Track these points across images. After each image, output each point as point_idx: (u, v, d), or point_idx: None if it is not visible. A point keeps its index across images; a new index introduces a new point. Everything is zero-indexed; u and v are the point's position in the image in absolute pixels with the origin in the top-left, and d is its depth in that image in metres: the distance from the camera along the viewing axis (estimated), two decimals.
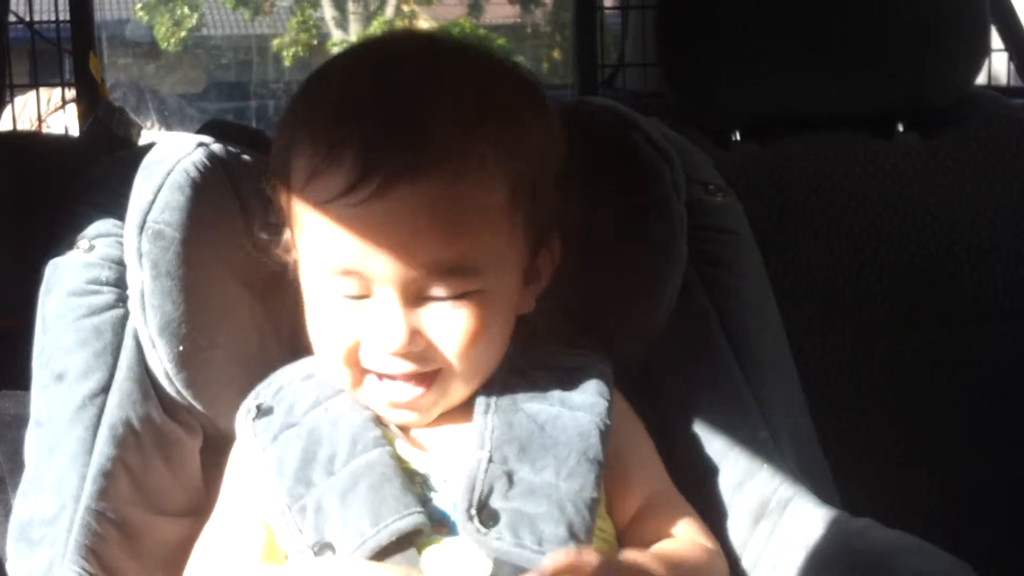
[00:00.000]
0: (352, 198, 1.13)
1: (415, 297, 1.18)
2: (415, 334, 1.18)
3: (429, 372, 1.22)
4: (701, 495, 1.34)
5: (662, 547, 1.22)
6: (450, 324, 1.19)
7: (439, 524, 1.18)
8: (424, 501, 1.18)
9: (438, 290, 1.18)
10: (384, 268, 1.16)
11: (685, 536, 1.27)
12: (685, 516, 1.29)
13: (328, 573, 1.12)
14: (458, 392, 1.25)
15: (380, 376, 1.22)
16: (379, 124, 1.15)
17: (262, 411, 1.27)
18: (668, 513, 1.29)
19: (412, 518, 1.15)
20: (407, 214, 1.14)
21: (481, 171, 1.17)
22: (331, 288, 1.20)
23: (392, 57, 1.23)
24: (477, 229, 1.18)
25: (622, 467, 1.28)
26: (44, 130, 2.27)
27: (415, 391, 1.22)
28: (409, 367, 1.21)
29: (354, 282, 1.18)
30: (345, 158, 1.14)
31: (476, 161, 1.16)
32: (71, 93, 2.14)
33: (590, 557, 1.07)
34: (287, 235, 1.30)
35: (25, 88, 2.27)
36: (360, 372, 1.23)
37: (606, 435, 1.24)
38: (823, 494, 1.33)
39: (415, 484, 1.20)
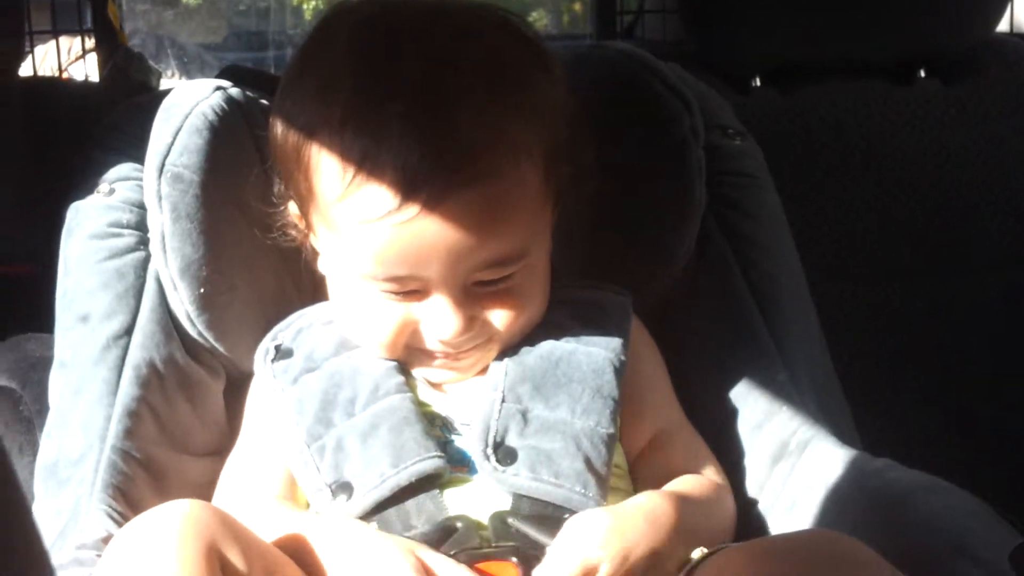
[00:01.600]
0: (396, 218, 1.11)
1: (465, 289, 1.18)
2: (469, 320, 1.19)
3: (480, 343, 1.23)
4: (721, 436, 1.35)
5: (663, 497, 1.19)
6: (501, 304, 1.21)
7: (460, 465, 1.19)
8: (445, 443, 1.20)
9: (488, 278, 1.19)
10: (434, 272, 1.16)
11: (693, 470, 1.27)
12: (694, 449, 1.30)
13: (340, 534, 1.12)
14: (499, 350, 1.26)
15: (431, 353, 1.23)
16: (410, 134, 1.10)
17: (281, 352, 1.28)
18: (677, 446, 1.30)
19: (432, 461, 1.16)
20: (455, 222, 1.13)
21: (517, 165, 1.15)
22: (374, 290, 1.19)
23: (400, 43, 1.17)
24: (520, 220, 1.17)
25: (636, 399, 1.28)
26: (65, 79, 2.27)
27: (464, 358, 1.23)
28: (464, 346, 1.22)
29: (401, 284, 1.18)
30: (384, 177, 1.11)
31: (511, 156, 1.15)
32: (91, 42, 2.14)
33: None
34: (294, 210, 1.28)
35: (45, 36, 2.27)
36: (408, 351, 1.24)
37: (620, 371, 1.25)
38: (843, 435, 1.34)
39: (435, 427, 1.21)
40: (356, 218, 1.13)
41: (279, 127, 1.21)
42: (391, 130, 1.10)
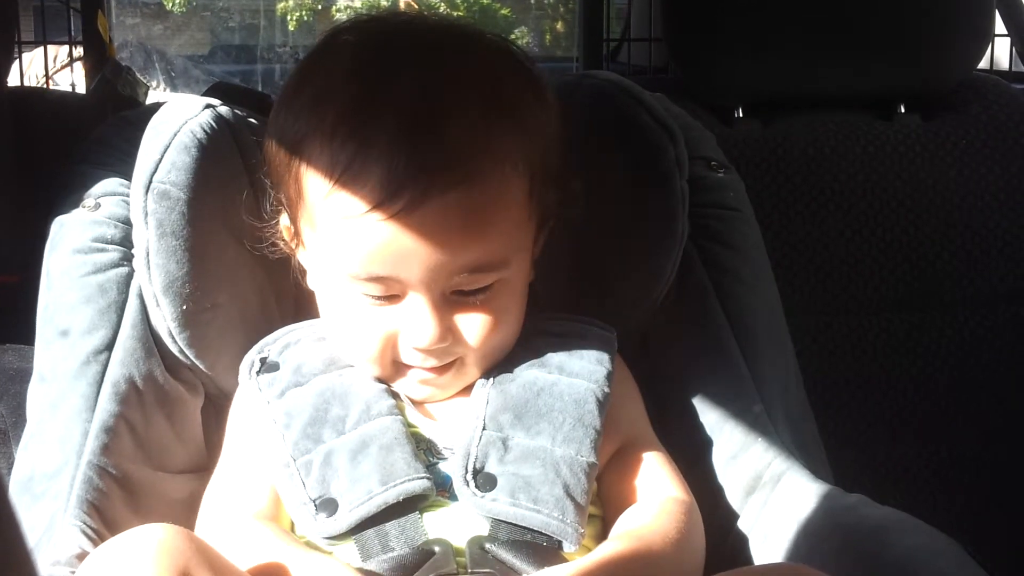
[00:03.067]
0: (381, 214, 1.13)
1: (443, 296, 1.20)
2: (446, 331, 1.21)
3: (454, 360, 1.24)
4: (695, 466, 1.35)
5: (635, 535, 1.19)
6: (477, 317, 1.22)
7: (442, 489, 1.20)
8: (429, 467, 1.20)
9: (466, 286, 1.20)
10: (414, 274, 1.17)
11: (657, 485, 1.27)
12: (658, 463, 1.29)
13: (316, 570, 1.11)
14: (477, 372, 1.27)
15: (409, 367, 1.25)
16: (403, 134, 1.14)
17: (267, 366, 1.28)
18: (640, 461, 1.29)
19: (420, 482, 1.17)
20: (437, 224, 1.15)
21: (502, 174, 1.18)
22: (356, 292, 1.21)
23: (398, 61, 1.20)
24: (502, 227, 1.19)
25: (609, 420, 1.28)
26: (51, 87, 2.26)
27: (441, 374, 1.25)
28: (440, 359, 1.23)
29: (382, 286, 1.19)
30: (370, 177, 1.13)
31: (497, 165, 1.17)
32: (78, 51, 2.13)
33: None
34: (284, 222, 1.30)
35: (32, 45, 2.27)
36: (391, 364, 1.25)
37: (603, 403, 1.26)
38: (816, 469, 1.35)
39: (420, 450, 1.22)
40: (341, 214, 1.15)
41: (273, 136, 1.24)
42: (380, 136, 1.13)
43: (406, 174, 1.12)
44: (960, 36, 2.09)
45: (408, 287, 1.19)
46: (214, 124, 1.35)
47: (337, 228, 1.17)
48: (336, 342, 1.29)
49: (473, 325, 1.22)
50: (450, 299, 1.21)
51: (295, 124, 1.20)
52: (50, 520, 1.21)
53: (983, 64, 2.31)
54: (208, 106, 1.37)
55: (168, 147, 1.31)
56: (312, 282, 1.30)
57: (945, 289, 2.07)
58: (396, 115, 1.14)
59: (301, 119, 1.19)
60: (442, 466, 1.22)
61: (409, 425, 1.23)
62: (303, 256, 1.31)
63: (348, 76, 1.19)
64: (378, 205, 1.13)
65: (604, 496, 1.28)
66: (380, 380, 1.27)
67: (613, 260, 1.44)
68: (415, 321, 1.20)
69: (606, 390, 1.27)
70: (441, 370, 1.25)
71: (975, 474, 2.06)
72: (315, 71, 1.25)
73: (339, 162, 1.15)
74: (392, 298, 1.20)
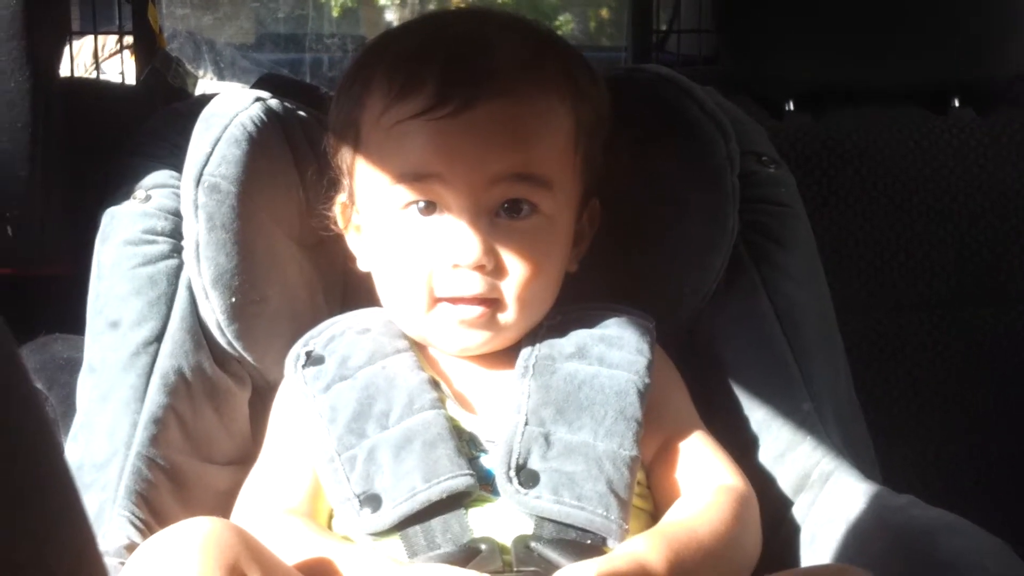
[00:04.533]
0: (432, 115, 1.21)
1: (487, 212, 1.23)
2: (488, 250, 1.22)
3: (492, 299, 1.25)
4: (742, 464, 1.33)
5: (679, 524, 1.18)
6: (518, 248, 1.24)
7: (485, 484, 1.19)
8: (472, 461, 1.20)
9: (508, 202, 1.24)
10: (458, 172, 1.21)
11: (709, 474, 1.26)
12: (708, 452, 1.28)
13: (364, 561, 1.12)
14: (513, 326, 1.27)
15: (452, 301, 1.25)
16: (455, 56, 1.24)
17: (312, 359, 1.29)
18: (689, 450, 1.28)
19: (464, 479, 1.17)
20: (483, 127, 1.21)
21: (548, 98, 1.26)
22: (400, 203, 1.24)
23: (453, 19, 1.33)
24: (545, 146, 1.25)
25: (652, 408, 1.27)
26: (100, 76, 2.28)
27: (480, 310, 1.25)
28: (478, 287, 1.24)
29: (427, 189, 1.23)
30: (425, 82, 1.22)
31: (543, 91, 1.26)
32: (128, 39, 2.15)
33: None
34: (343, 195, 1.34)
35: (81, 35, 2.28)
36: (432, 299, 1.26)
37: (644, 393, 1.26)
38: (865, 469, 1.34)
39: (463, 443, 1.22)
40: (393, 122, 1.23)
41: (334, 120, 1.34)
42: (434, 63, 1.23)
43: (456, 83, 1.21)
44: (1016, 29, 2.05)
45: (451, 193, 1.22)
46: (264, 117, 1.36)
47: (387, 137, 1.24)
48: (382, 278, 1.31)
49: (513, 255, 1.24)
50: (493, 220, 1.23)
51: (361, 76, 1.29)
52: (99, 510, 1.22)
53: None
54: (258, 99, 1.38)
55: (219, 140, 1.32)
56: (363, 262, 1.35)
57: (998, 286, 2.04)
58: (447, 47, 1.26)
59: (368, 70, 1.28)
60: (484, 460, 1.21)
61: (451, 420, 1.23)
62: (353, 240, 1.36)
63: (408, 33, 1.36)
64: (428, 109, 1.21)
65: (655, 489, 1.27)
66: (422, 369, 1.27)
67: (663, 255, 1.43)
68: (457, 234, 1.22)
69: (647, 381, 1.27)
70: (478, 306, 1.25)
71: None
72: (379, 42, 1.37)
73: (395, 81, 1.24)
74: (435, 208, 1.24)
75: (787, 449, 1.35)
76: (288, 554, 1.10)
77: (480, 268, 1.23)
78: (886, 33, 2.00)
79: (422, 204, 1.24)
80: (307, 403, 1.25)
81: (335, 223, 1.37)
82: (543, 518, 1.16)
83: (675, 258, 1.43)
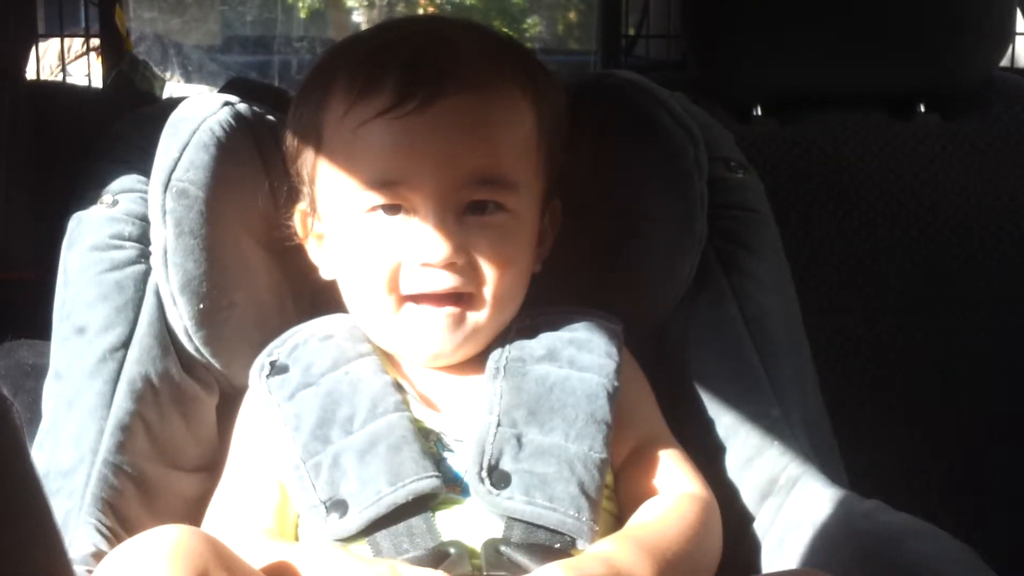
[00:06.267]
0: (395, 113, 1.20)
1: (454, 212, 1.23)
2: (459, 247, 1.22)
3: (464, 294, 1.25)
4: (709, 470, 1.34)
5: (646, 526, 1.20)
6: (487, 242, 1.24)
7: (452, 484, 1.19)
8: (439, 462, 1.20)
9: (474, 201, 1.24)
10: (425, 176, 1.21)
11: (675, 483, 1.26)
12: (674, 461, 1.29)
13: (329, 561, 1.12)
14: (484, 326, 1.27)
15: (419, 300, 1.25)
16: (416, 54, 1.25)
17: (276, 368, 1.28)
18: (657, 458, 1.28)
19: (429, 481, 1.16)
20: (447, 125, 1.22)
21: (511, 92, 1.27)
22: (366, 206, 1.24)
23: (411, 23, 1.35)
24: (509, 144, 1.26)
25: (619, 416, 1.27)
26: (66, 79, 2.26)
27: (451, 311, 1.25)
28: (450, 282, 1.23)
29: (393, 193, 1.23)
30: (387, 80, 1.22)
31: (506, 84, 1.26)
32: (93, 41, 2.13)
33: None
34: (303, 203, 1.34)
35: (48, 36, 2.27)
36: (400, 299, 1.25)
37: (614, 396, 1.26)
38: (832, 474, 1.34)
39: (430, 442, 1.22)
40: (356, 123, 1.22)
41: (292, 117, 1.33)
42: (395, 60, 1.23)
43: (419, 79, 1.21)
44: (981, 35, 2.07)
45: (418, 197, 1.22)
46: (233, 122, 1.35)
47: (351, 140, 1.24)
48: (348, 283, 1.30)
49: (483, 251, 1.24)
50: (460, 219, 1.23)
51: (323, 77, 1.28)
52: (65, 518, 1.21)
53: (1004, 63, 2.29)
54: (227, 103, 1.37)
55: (187, 145, 1.31)
56: (325, 271, 1.35)
57: (963, 290, 2.05)
58: (408, 45, 1.27)
59: (330, 70, 1.28)
60: (451, 461, 1.21)
61: (415, 421, 1.23)
62: (314, 250, 1.35)
63: (371, 35, 1.36)
64: (391, 107, 1.20)
65: (621, 494, 1.28)
66: (384, 372, 1.27)
67: (631, 261, 1.43)
68: (425, 234, 1.22)
69: (616, 384, 1.27)
70: (448, 306, 1.25)
71: (992, 479, 2.05)
72: (342, 44, 1.37)
73: (356, 81, 1.23)
74: (403, 211, 1.23)
75: (755, 454, 1.35)
76: (257, 561, 1.10)
77: (450, 266, 1.23)
78: (853, 38, 2.02)
79: (388, 206, 1.24)
80: (272, 412, 1.25)
81: (296, 233, 1.36)
82: (513, 519, 1.17)
83: (644, 264, 1.43)
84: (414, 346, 1.28)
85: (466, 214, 1.24)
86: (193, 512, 1.26)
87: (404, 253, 1.24)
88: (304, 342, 1.31)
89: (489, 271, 1.25)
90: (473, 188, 1.23)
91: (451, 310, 1.25)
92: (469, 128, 1.23)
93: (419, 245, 1.22)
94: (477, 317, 1.26)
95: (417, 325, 1.26)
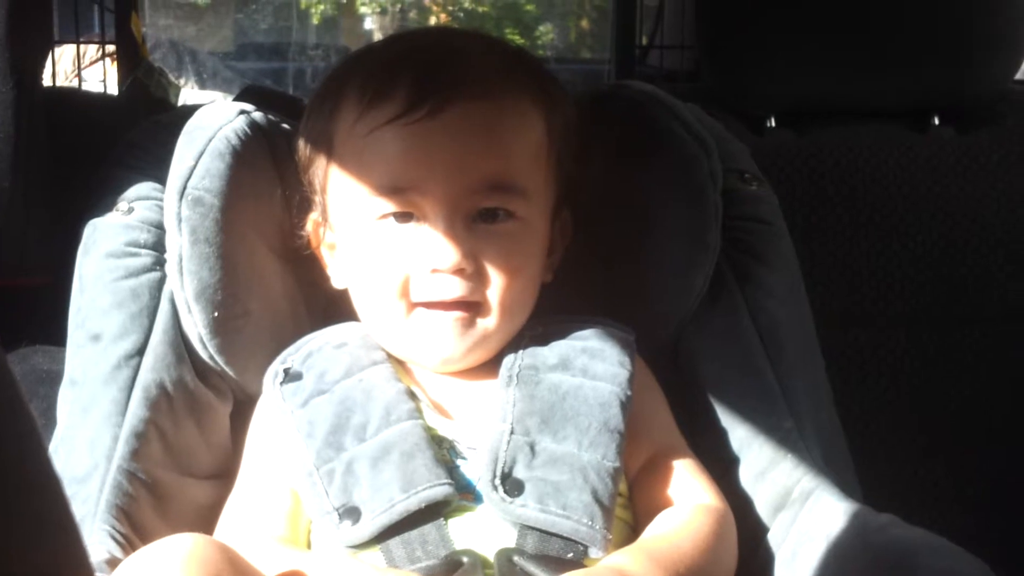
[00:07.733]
0: (407, 119, 1.21)
1: (463, 218, 1.23)
2: (468, 253, 1.23)
3: (473, 302, 1.25)
4: (723, 482, 1.34)
5: (661, 539, 1.19)
6: (496, 249, 1.25)
7: (465, 492, 1.19)
8: (452, 469, 1.20)
9: (484, 209, 1.24)
10: (436, 181, 1.22)
11: (691, 494, 1.26)
12: (690, 471, 1.29)
13: (344, 572, 1.12)
14: (490, 335, 1.28)
15: (429, 306, 1.25)
16: (427, 64, 1.26)
17: (290, 375, 1.28)
18: (672, 468, 1.28)
19: (442, 488, 1.16)
20: (458, 131, 1.23)
21: (522, 101, 1.28)
22: (376, 214, 1.25)
23: (423, 34, 1.37)
24: (519, 151, 1.27)
25: (633, 424, 1.28)
26: (81, 85, 2.27)
27: (460, 315, 1.26)
28: (459, 290, 1.24)
29: (404, 200, 1.23)
30: (398, 88, 1.23)
31: (517, 92, 1.28)
32: (109, 47, 2.14)
33: None
34: (315, 213, 1.35)
35: (63, 42, 2.27)
36: (410, 305, 1.26)
37: (626, 405, 1.26)
38: (846, 487, 1.34)
39: (443, 450, 1.22)
40: (367, 130, 1.24)
41: (305, 136, 1.34)
42: (407, 70, 1.24)
43: (430, 87, 1.22)
44: (995, 49, 2.07)
45: (428, 202, 1.23)
46: (248, 130, 1.36)
47: (362, 147, 1.25)
48: (359, 291, 1.31)
49: (492, 259, 1.25)
50: (470, 226, 1.24)
51: (335, 85, 1.30)
52: (79, 523, 1.21)
53: (1018, 76, 2.29)
54: (242, 112, 1.38)
55: (203, 153, 1.31)
56: (337, 280, 1.36)
57: (976, 304, 2.05)
58: (420, 55, 1.29)
59: (343, 79, 1.30)
60: (464, 468, 1.21)
61: (428, 428, 1.23)
62: (326, 258, 1.36)
63: (383, 45, 1.38)
64: (402, 113, 1.21)
65: (636, 504, 1.28)
66: (398, 380, 1.27)
67: (645, 272, 1.43)
68: (435, 240, 1.23)
69: (629, 393, 1.27)
70: (457, 311, 1.25)
71: (1005, 492, 2.04)
72: (354, 54, 1.38)
73: (368, 89, 1.25)
74: (413, 219, 1.24)
75: (768, 467, 1.35)
76: (269, 570, 1.10)
77: (460, 272, 1.23)
78: (868, 51, 2.02)
79: (399, 214, 1.25)
80: (285, 419, 1.25)
81: (309, 243, 1.37)
82: (527, 527, 1.16)
83: (657, 275, 1.43)
84: (424, 351, 1.28)
85: (476, 221, 1.25)
86: (206, 519, 1.27)
87: (414, 261, 1.24)
88: (318, 350, 1.31)
89: (497, 278, 1.25)
90: (483, 194, 1.24)
91: (460, 314, 1.26)
92: (480, 134, 1.24)
93: (429, 251, 1.23)
94: (486, 323, 1.27)
95: (427, 329, 1.26)
